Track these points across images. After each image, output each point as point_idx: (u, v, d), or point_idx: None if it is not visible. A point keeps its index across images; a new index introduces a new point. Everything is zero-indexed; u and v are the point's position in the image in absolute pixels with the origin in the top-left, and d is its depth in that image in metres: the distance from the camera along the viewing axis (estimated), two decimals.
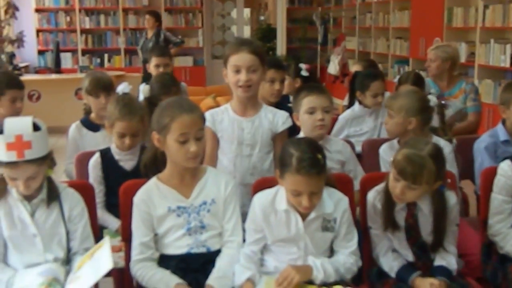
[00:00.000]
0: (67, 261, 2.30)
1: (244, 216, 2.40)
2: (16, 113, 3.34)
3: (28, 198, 2.25)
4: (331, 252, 2.37)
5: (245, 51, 2.62)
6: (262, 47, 2.79)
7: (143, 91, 3.69)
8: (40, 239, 2.25)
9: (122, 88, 3.20)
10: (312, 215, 2.26)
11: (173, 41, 8.25)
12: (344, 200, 2.35)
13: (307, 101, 2.84)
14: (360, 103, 3.94)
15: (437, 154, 2.31)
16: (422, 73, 4.35)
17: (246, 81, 2.62)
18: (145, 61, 7.77)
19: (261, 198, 2.34)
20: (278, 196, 2.30)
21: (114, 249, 2.61)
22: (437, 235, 2.39)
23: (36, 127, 2.17)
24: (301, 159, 2.15)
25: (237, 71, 2.62)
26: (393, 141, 3.10)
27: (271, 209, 2.30)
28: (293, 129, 2.93)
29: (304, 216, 2.26)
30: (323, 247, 2.33)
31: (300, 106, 2.86)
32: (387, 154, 3.03)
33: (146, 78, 7.49)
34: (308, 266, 2.26)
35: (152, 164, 2.41)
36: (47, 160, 2.23)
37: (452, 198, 2.43)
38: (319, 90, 2.91)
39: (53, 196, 2.28)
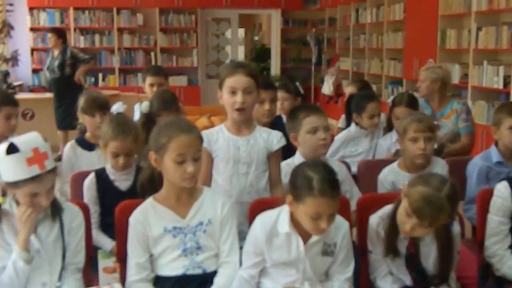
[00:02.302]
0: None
1: (240, 234, 2.39)
2: (11, 130, 3.35)
3: None
4: (326, 277, 2.34)
5: (241, 73, 2.63)
6: (257, 69, 2.81)
7: (142, 107, 3.68)
8: (44, 254, 2.25)
9: (116, 107, 3.19)
10: (314, 238, 2.23)
11: (81, 58, 7.83)
12: (345, 226, 2.32)
13: (309, 121, 2.85)
14: (357, 124, 3.96)
15: (454, 194, 2.22)
16: (416, 94, 4.35)
17: (242, 103, 2.62)
18: (54, 81, 7.68)
19: (263, 220, 2.30)
20: (281, 219, 2.27)
21: (108, 270, 2.59)
22: (442, 271, 2.35)
23: (45, 140, 2.22)
24: (323, 181, 2.10)
25: (233, 92, 2.63)
26: (392, 165, 3.09)
27: (273, 232, 2.26)
28: (288, 149, 2.93)
29: (305, 240, 2.24)
30: (321, 271, 2.31)
31: (300, 126, 2.86)
32: (387, 178, 3.02)
33: (58, 97, 7.47)
34: None
35: (149, 184, 2.40)
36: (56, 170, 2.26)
37: (456, 228, 2.41)
38: (318, 109, 2.94)
39: (57, 210, 2.28)
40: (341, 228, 2.30)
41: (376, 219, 2.45)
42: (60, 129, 7.62)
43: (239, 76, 2.62)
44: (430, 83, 4.32)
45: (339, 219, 2.32)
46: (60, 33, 7.89)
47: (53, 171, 2.20)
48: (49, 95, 8.13)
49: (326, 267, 2.31)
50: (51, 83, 7.81)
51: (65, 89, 7.62)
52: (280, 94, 4.13)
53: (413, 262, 2.39)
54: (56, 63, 7.62)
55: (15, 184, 2.14)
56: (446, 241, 2.34)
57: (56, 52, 7.71)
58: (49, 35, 7.83)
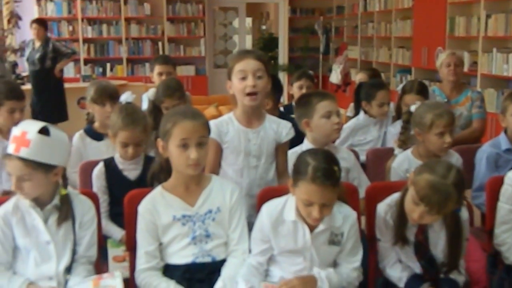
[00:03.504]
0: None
1: (250, 226, 2.39)
2: (15, 124, 3.32)
3: (40, 205, 2.25)
4: (334, 265, 2.34)
5: (251, 57, 2.60)
6: (266, 56, 2.78)
7: (149, 94, 3.69)
8: (54, 246, 2.25)
9: (125, 97, 3.19)
10: (321, 227, 2.23)
11: (63, 52, 7.74)
12: (353, 215, 2.32)
13: (323, 106, 2.85)
14: (366, 112, 3.95)
15: (460, 181, 2.22)
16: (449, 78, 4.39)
17: (253, 86, 2.57)
18: (33, 74, 7.52)
19: (270, 207, 2.31)
20: (287, 207, 2.28)
21: (118, 259, 2.61)
22: (452, 258, 2.35)
23: (46, 133, 2.19)
24: (317, 168, 2.12)
25: (243, 77, 2.58)
26: (406, 153, 3.07)
27: (279, 219, 2.27)
28: (296, 137, 2.93)
29: (312, 228, 2.24)
30: (328, 260, 2.31)
31: (313, 111, 2.86)
32: (401, 166, 3.00)
33: (37, 90, 7.35)
34: (312, 277, 2.24)
35: (160, 173, 2.40)
36: (50, 171, 2.21)
37: (464, 214, 2.40)
38: (330, 95, 2.96)
39: (66, 213, 2.28)
40: (348, 217, 2.30)
41: (384, 207, 2.45)
42: (57, 123, 7.51)
43: (248, 60, 2.59)
44: (462, 67, 4.41)
45: (347, 208, 2.32)
46: (45, 25, 7.80)
47: (29, 162, 2.14)
48: None
49: (333, 256, 2.32)
50: (30, 75, 7.62)
51: (44, 83, 7.55)
52: (304, 82, 4.30)
53: (422, 250, 2.38)
54: (37, 55, 7.50)
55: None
56: (454, 228, 2.34)
57: (38, 44, 7.57)
58: (34, 25, 7.60)
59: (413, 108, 3.08)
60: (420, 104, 3.09)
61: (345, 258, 2.31)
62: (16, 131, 2.18)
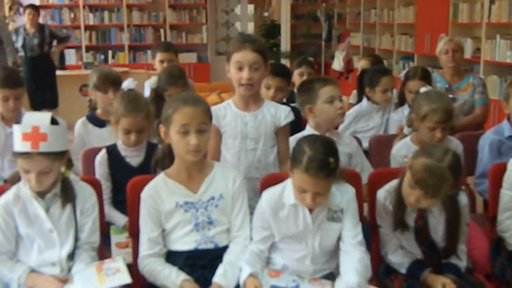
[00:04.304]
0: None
1: (250, 210, 2.40)
2: (10, 111, 3.34)
3: (41, 194, 2.26)
4: (334, 253, 2.34)
5: (249, 49, 2.59)
6: (265, 44, 2.77)
7: (151, 82, 3.68)
8: (56, 234, 2.27)
9: (127, 84, 3.19)
10: (319, 207, 2.25)
11: (59, 37, 7.86)
12: (350, 190, 2.33)
13: (326, 91, 2.85)
14: (369, 99, 3.94)
15: (456, 164, 2.23)
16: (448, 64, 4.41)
17: (248, 79, 2.60)
18: (31, 60, 7.45)
19: (269, 194, 2.33)
20: (286, 191, 2.29)
21: (121, 245, 2.62)
22: (450, 242, 2.36)
23: (54, 122, 2.20)
24: (311, 159, 2.12)
25: (240, 68, 2.60)
26: (405, 139, 3.07)
27: (279, 204, 2.29)
28: (297, 125, 2.92)
29: (311, 210, 2.26)
30: (331, 239, 2.30)
31: (316, 96, 2.86)
32: (400, 152, 3.01)
33: (35, 76, 7.30)
34: None
35: (163, 160, 2.41)
36: (63, 158, 2.24)
37: (463, 199, 2.41)
38: (332, 80, 2.97)
39: (68, 196, 2.29)
40: (346, 194, 2.31)
41: (383, 193, 2.46)
42: (51, 109, 7.53)
43: (246, 51, 2.59)
44: (461, 53, 4.43)
45: (344, 185, 2.33)
46: (39, 11, 7.86)
47: (50, 155, 2.16)
48: (59, 72, 8.10)
49: (336, 234, 2.31)
50: (27, 61, 7.56)
51: (42, 68, 7.58)
52: (305, 69, 4.29)
53: (422, 235, 2.39)
54: (36, 41, 7.51)
55: (14, 155, 2.18)
56: (453, 212, 2.35)
57: (32, 30, 7.55)
58: (30, 11, 7.59)
59: (422, 90, 3.09)
60: (428, 90, 3.09)
61: (348, 234, 2.29)
62: (23, 129, 2.14)
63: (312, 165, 2.11)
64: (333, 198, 2.28)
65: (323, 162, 2.12)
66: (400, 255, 2.43)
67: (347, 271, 2.21)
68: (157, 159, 2.45)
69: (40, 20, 7.90)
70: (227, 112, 2.74)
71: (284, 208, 2.28)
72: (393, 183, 2.44)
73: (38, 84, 7.47)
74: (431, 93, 3.06)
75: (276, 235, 2.31)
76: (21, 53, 7.51)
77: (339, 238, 2.32)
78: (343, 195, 2.31)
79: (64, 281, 2.20)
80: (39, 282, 2.21)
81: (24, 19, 7.82)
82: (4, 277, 2.25)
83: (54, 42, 7.82)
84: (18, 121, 2.20)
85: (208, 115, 2.32)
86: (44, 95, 7.49)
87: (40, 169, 2.16)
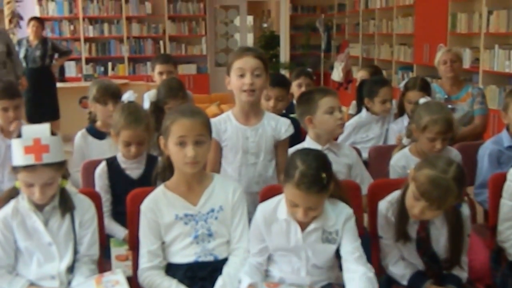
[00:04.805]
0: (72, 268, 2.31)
1: (249, 223, 2.39)
2: (9, 122, 3.36)
3: (40, 207, 2.26)
4: (337, 262, 2.32)
5: (250, 55, 2.62)
6: (265, 54, 2.78)
7: (150, 95, 3.68)
8: (56, 247, 2.26)
9: (127, 96, 3.19)
10: (312, 226, 2.22)
11: (62, 50, 7.93)
12: (346, 211, 2.28)
13: (326, 102, 2.85)
14: (368, 110, 3.95)
15: (461, 176, 2.22)
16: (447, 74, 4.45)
17: (251, 84, 2.60)
18: (33, 71, 7.42)
19: (264, 207, 2.32)
20: (280, 205, 2.27)
21: (121, 258, 2.61)
22: (453, 253, 2.35)
23: (52, 133, 2.20)
24: (303, 174, 2.10)
25: (242, 75, 2.61)
26: (404, 150, 3.08)
27: (272, 218, 2.27)
28: (297, 136, 2.92)
29: (303, 227, 2.23)
30: (325, 258, 2.28)
31: (316, 107, 2.86)
32: (399, 163, 3.01)
33: (35, 88, 7.29)
34: None
35: (163, 172, 2.41)
36: (63, 168, 2.25)
37: (465, 210, 2.40)
38: (331, 90, 2.98)
39: (67, 206, 2.29)
40: (342, 214, 2.26)
41: (385, 204, 2.45)
42: (52, 121, 7.59)
43: (248, 58, 2.61)
44: (460, 63, 4.46)
45: (341, 206, 2.29)
46: (43, 23, 7.89)
47: (53, 165, 2.17)
48: (59, 84, 8.10)
49: (330, 254, 2.28)
50: (28, 72, 7.44)
51: (43, 80, 7.59)
52: (303, 80, 4.27)
53: (424, 246, 2.38)
54: (38, 53, 7.54)
55: (15, 169, 2.17)
56: (456, 223, 2.34)
57: (35, 42, 7.58)
58: (33, 23, 7.63)
59: (422, 100, 3.10)
60: (427, 101, 3.10)
61: (347, 249, 2.24)
62: (24, 142, 2.14)
63: (304, 180, 2.09)
64: (328, 219, 2.24)
65: (315, 177, 2.10)
66: (402, 266, 2.42)
67: (352, 283, 2.17)
68: (157, 172, 2.45)
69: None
70: (227, 126, 2.74)
71: (277, 222, 2.27)
72: (395, 194, 2.44)
73: (39, 96, 7.49)
74: (431, 104, 3.06)
75: (270, 248, 2.31)
76: (23, 64, 7.53)
77: (335, 255, 2.29)
78: (339, 216, 2.26)
79: None
80: None
81: (23, 32, 7.86)
82: None
83: (56, 55, 7.85)
84: (19, 133, 2.19)
85: (207, 127, 2.32)
86: (44, 107, 7.51)
87: (45, 180, 2.16)
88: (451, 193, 2.19)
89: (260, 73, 2.62)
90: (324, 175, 2.12)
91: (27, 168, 2.13)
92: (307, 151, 2.25)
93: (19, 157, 2.14)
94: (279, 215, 2.26)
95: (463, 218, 2.37)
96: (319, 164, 2.15)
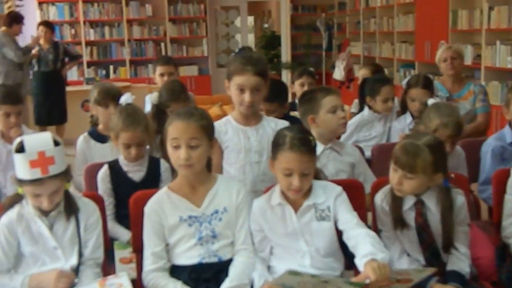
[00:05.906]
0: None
1: None
2: (11, 128, 3.36)
3: (44, 212, 2.26)
4: (340, 245, 2.34)
5: (250, 72, 2.60)
6: (265, 63, 2.74)
7: (151, 98, 3.68)
8: (61, 251, 2.27)
9: (125, 99, 3.19)
10: (304, 205, 2.29)
11: (72, 55, 8.11)
12: (336, 188, 2.35)
13: (328, 101, 2.88)
14: (370, 108, 3.94)
15: (435, 145, 2.31)
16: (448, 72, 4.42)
17: (250, 102, 2.62)
18: (44, 75, 7.56)
19: (258, 199, 2.40)
20: (273, 194, 2.34)
21: (125, 261, 2.61)
22: (446, 234, 2.37)
23: (55, 142, 2.20)
24: (294, 137, 2.23)
25: (241, 90, 2.62)
26: None
27: (266, 206, 2.34)
28: None
29: (296, 208, 2.29)
30: (325, 239, 2.30)
31: (319, 106, 2.88)
32: None
33: (46, 91, 7.46)
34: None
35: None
36: (68, 174, 2.26)
37: (459, 198, 2.41)
38: (334, 90, 3.00)
39: (72, 209, 2.30)
40: (331, 191, 2.33)
41: (380, 196, 2.49)
42: (60, 124, 7.71)
43: (248, 76, 2.60)
44: (461, 60, 4.44)
45: (329, 184, 2.37)
46: (52, 27, 7.94)
47: (59, 175, 2.18)
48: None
49: (330, 233, 2.30)
50: (40, 75, 7.65)
51: (54, 83, 7.66)
52: (306, 79, 4.34)
53: (426, 239, 2.39)
54: (50, 56, 7.61)
55: (20, 181, 2.17)
56: (445, 201, 2.37)
57: (47, 46, 7.65)
58: (43, 28, 7.69)
59: (430, 101, 3.10)
60: (437, 102, 3.10)
61: (345, 220, 2.27)
62: (29, 157, 2.11)
63: (295, 142, 2.21)
64: (319, 197, 2.30)
65: (305, 139, 2.24)
66: (406, 263, 2.42)
67: (358, 244, 2.15)
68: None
69: None
70: (228, 128, 2.74)
71: (272, 210, 2.32)
72: (389, 185, 2.47)
73: (49, 98, 7.60)
74: (441, 106, 3.07)
75: (269, 237, 2.34)
76: (35, 68, 7.64)
77: (337, 239, 2.31)
78: (329, 193, 2.32)
79: (69, 276, 2.22)
80: (43, 279, 2.21)
81: (24, 36, 7.88)
82: (5, 287, 2.24)
83: (66, 59, 7.93)
84: (21, 145, 2.18)
85: (203, 130, 2.29)
86: (53, 110, 7.62)
87: (53, 190, 2.18)
88: (420, 157, 2.27)
89: (260, 88, 2.64)
90: (311, 137, 2.28)
91: (34, 181, 2.14)
92: (290, 126, 2.45)
93: (25, 172, 2.13)
94: (272, 202, 2.32)
95: (456, 204, 2.39)
96: (304, 131, 2.35)
